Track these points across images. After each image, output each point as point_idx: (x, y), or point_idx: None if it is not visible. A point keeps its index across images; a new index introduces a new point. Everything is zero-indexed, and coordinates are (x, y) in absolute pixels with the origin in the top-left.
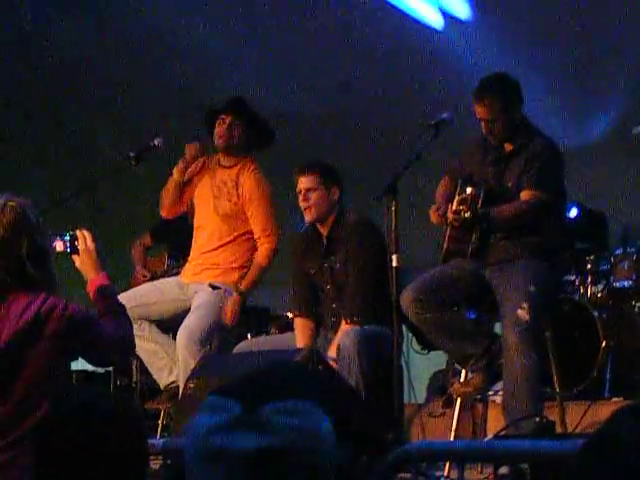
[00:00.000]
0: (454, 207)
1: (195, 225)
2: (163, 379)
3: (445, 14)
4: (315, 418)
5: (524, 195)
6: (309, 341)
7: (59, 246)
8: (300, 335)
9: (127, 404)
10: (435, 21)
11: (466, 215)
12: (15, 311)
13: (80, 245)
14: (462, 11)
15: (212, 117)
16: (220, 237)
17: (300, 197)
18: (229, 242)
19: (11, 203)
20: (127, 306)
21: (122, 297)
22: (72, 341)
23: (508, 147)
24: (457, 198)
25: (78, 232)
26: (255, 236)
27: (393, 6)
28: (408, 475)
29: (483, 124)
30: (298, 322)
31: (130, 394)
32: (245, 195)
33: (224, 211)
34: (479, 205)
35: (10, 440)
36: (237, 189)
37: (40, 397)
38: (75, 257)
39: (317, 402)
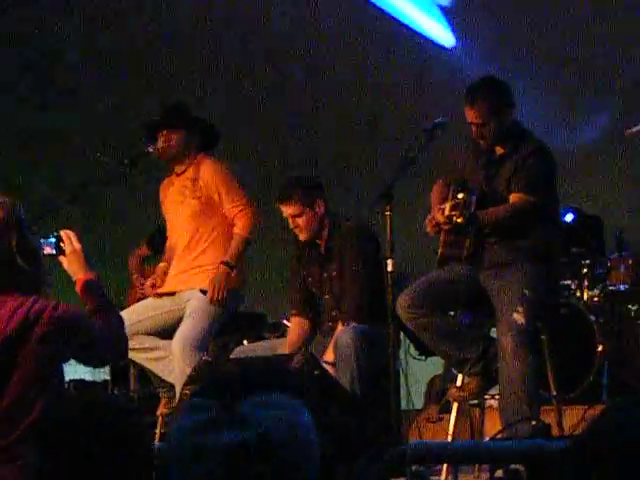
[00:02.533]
0: (446, 212)
1: (170, 241)
2: None
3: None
4: (290, 410)
5: (512, 198)
6: (299, 339)
7: (46, 249)
8: (291, 333)
9: (129, 406)
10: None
11: (458, 220)
12: (4, 315)
13: (66, 246)
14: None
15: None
16: (198, 240)
17: (289, 221)
18: (208, 242)
19: (0, 200)
20: None
21: None
22: (62, 343)
23: (499, 151)
24: (450, 204)
25: (62, 233)
26: (229, 216)
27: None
28: (404, 479)
29: (473, 128)
30: (292, 320)
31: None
32: (206, 183)
33: (193, 210)
34: (472, 210)
35: (10, 440)
36: (197, 184)
37: (33, 400)
38: (62, 258)
39: (291, 395)
